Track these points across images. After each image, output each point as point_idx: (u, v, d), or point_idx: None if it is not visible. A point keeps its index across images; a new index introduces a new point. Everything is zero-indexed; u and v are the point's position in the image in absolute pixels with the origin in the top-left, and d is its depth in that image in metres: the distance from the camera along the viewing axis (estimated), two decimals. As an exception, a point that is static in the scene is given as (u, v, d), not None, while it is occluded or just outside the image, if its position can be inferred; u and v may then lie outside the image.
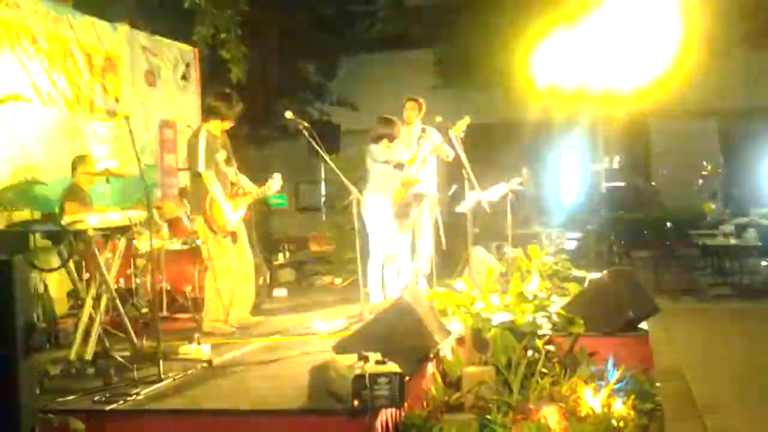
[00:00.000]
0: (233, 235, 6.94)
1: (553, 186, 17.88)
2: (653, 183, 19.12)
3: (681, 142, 18.35)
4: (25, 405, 3.22)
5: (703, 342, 8.69)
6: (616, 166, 18.95)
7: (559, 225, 14.29)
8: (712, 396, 6.35)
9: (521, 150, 16.47)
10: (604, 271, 6.51)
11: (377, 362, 4.24)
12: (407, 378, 4.62)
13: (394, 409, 4.36)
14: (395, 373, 4.15)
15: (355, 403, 4.05)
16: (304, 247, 12.93)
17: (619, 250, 13.98)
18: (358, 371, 4.12)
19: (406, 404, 4.66)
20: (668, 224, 14.62)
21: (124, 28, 10.04)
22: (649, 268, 12.69)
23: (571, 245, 12.67)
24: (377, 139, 7.88)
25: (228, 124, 7.05)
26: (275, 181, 7.15)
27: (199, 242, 7.37)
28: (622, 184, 18.28)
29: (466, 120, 8.02)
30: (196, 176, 6.91)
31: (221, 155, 6.97)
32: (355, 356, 4.38)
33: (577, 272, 8.27)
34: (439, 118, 8.21)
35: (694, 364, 7.42)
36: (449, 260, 9.39)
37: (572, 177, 18.49)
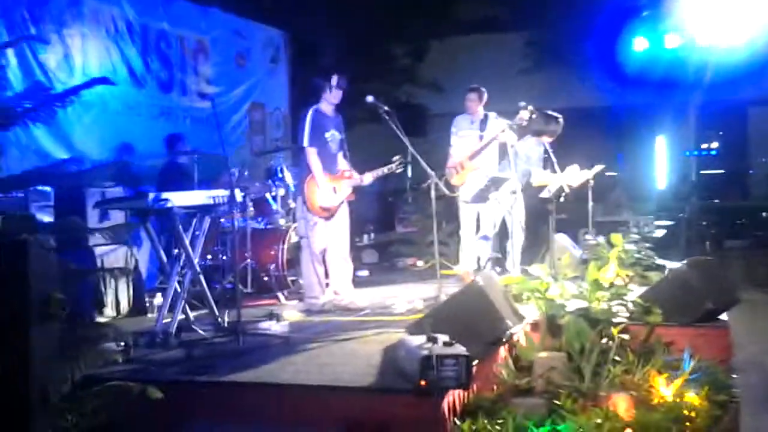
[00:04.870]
0: (331, 216, 7.00)
1: (647, 172, 17.51)
2: (751, 171, 18.56)
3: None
4: (36, 372, 3.42)
5: (791, 335, 8.45)
6: (713, 152, 18.49)
7: (651, 212, 14.00)
8: (795, 390, 6.19)
9: (615, 135, 16.21)
10: (684, 261, 6.41)
11: (445, 344, 4.33)
12: (476, 360, 4.71)
13: (461, 391, 4.42)
14: (462, 355, 4.22)
15: (422, 383, 4.14)
16: (390, 228, 13.04)
17: (710, 239, 13.64)
18: (426, 352, 4.20)
19: (475, 386, 4.73)
20: (764, 214, 14.20)
21: (215, 12, 10.31)
22: (742, 258, 12.37)
23: (661, 233, 12.42)
24: (538, 134, 8.07)
25: (335, 99, 7.10)
26: (395, 164, 7.18)
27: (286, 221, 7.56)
28: (720, 171, 17.83)
29: (527, 112, 8.02)
30: (301, 152, 7.06)
31: (331, 135, 7.06)
32: (425, 337, 4.47)
33: (660, 261, 8.13)
34: (522, 104, 8.20)
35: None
36: (536, 246, 9.36)
37: (667, 163, 18.09)
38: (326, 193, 6.92)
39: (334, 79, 7.01)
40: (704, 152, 18.14)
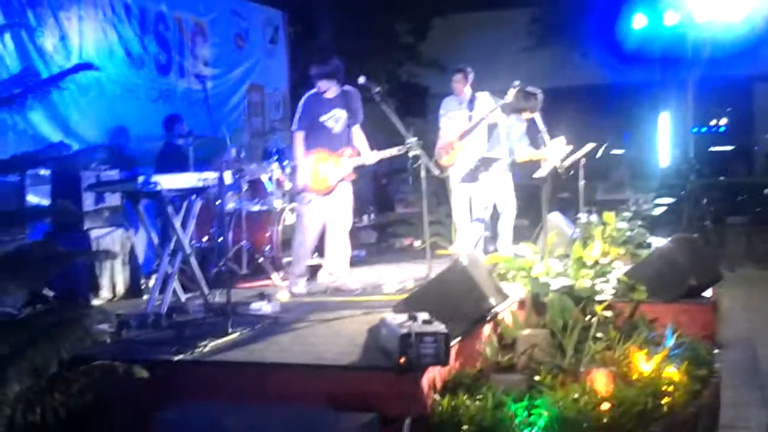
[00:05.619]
0: (326, 193, 7.02)
1: (651, 150, 17.52)
2: (756, 148, 18.54)
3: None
4: None
5: (783, 311, 8.50)
6: (722, 129, 18.48)
7: (653, 190, 14.02)
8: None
9: (620, 113, 16.22)
10: (669, 238, 6.48)
11: (424, 322, 4.42)
12: (458, 338, 4.81)
13: (441, 367, 4.52)
14: (440, 333, 4.32)
15: (401, 360, 4.24)
16: (391, 209, 13.13)
17: (711, 215, 13.65)
18: (405, 330, 4.30)
19: (458, 363, 4.84)
20: (766, 190, 14.17)
21: (213, -7, 10.37)
22: (743, 234, 12.40)
23: (659, 211, 12.47)
24: (518, 111, 8.11)
25: (324, 85, 7.06)
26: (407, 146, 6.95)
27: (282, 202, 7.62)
28: (729, 147, 17.84)
29: (513, 90, 8.07)
30: None
31: (332, 116, 7.05)
32: (405, 316, 4.57)
33: (651, 239, 8.19)
34: (516, 82, 8.26)
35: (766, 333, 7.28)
36: (535, 225, 9.43)
37: (670, 140, 18.09)
38: (316, 172, 6.98)
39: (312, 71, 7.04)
40: (713, 129, 18.15)
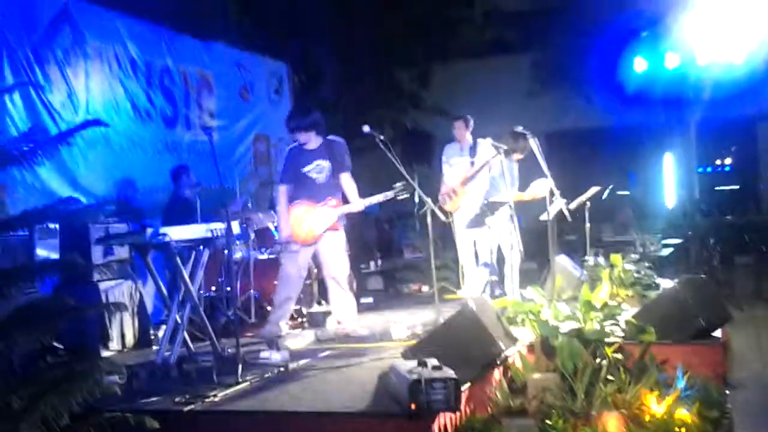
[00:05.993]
0: (310, 244, 7.10)
1: (656, 190, 17.55)
2: (761, 186, 18.55)
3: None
4: None
5: (796, 353, 8.45)
6: (727, 168, 18.51)
7: (659, 230, 14.03)
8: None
9: (624, 154, 16.27)
10: (677, 279, 6.48)
11: (434, 368, 4.43)
12: (467, 383, 4.80)
13: (452, 413, 4.51)
14: (450, 378, 4.33)
15: (412, 406, 4.24)
16: (399, 254, 13.15)
17: (719, 255, 13.62)
18: (415, 376, 4.31)
19: (469, 409, 4.82)
20: (773, 230, 14.14)
21: (218, 47, 10.52)
22: (751, 274, 12.36)
23: (667, 251, 12.46)
24: (508, 153, 8.19)
25: (304, 138, 7.15)
26: (394, 191, 7.11)
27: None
28: (735, 186, 17.85)
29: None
30: None
31: (315, 167, 7.14)
32: (415, 362, 4.58)
33: (659, 280, 8.19)
34: (519, 128, 8.33)
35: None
36: (542, 268, 9.43)
37: (676, 180, 18.12)
38: (300, 224, 7.02)
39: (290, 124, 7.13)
40: (718, 168, 18.18)
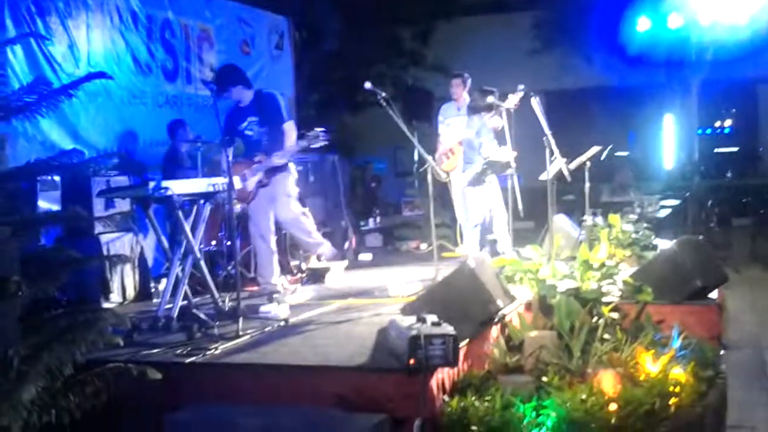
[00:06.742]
0: (246, 201, 7.12)
1: (656, 152, 17.57)
2: (761, 149, 18.55)
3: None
4: None
5: (790, 312, 8.53)
6: (727, 130, 18.50)
7: (658, 192, 14.07)
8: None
9: (625, 114, 16.25)
10: (674, 240, 6.53)
11: (433, 324, 4.48)
12: (466, 340, 4.86)
13: (450, 369, 4.58)
14: (449, 334, 4.38)
15: (411, 361, 4.30)
16: (398, 212, 13.20)
17: (717, 217, 13.67)
18: (414, 332, 4.36)
19: (467, 365, 4.89)
20: (770, 192, 14.18)
21: (219, 0, 10.43)
22: (749, 235, 12.43)
23: (665, 213, 12.51)
24: (478, 111, 8.15)
25: (236, 95, 7.12)
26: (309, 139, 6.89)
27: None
28: (734, 149, 17.86)
29: (520, 93, 8.09)
30: None
31: (246, 123, 7.12)
32: (414, 317, 4.63)
33: (656, 241, 8.24)
34: (521, 86, 8.30)
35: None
36: (540, 228, 9.47)
37: (675, 142, 18.12)
38: (238, 183, 6.78)
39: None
40: (718, 130, 18.17)
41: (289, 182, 7.21)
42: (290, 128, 7.13)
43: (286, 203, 7.19)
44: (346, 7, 12.87)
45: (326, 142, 6.96)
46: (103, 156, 6.15)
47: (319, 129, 6.84)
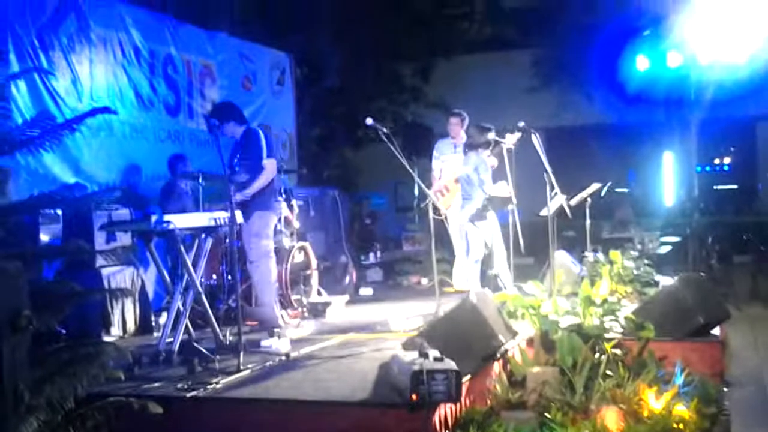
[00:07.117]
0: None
1: (656, 188, 17.62)
2: (760, 186, 18.61)
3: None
4: (7, 378, 3.54)
5: (792, 351, 8.50)
6: (726, 168, 18.57)
7: (658, 228, 14.09)
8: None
9: (624, 152, 16.31)
10: (676, 277, 6.53)
11: (435, 359, 4.45)
12: (468, 375, 4.84)
13: (453, 405, 4.55)
14: (452, 370, 4.35)
15: (413, 397, 4.27)
16: (398, 246, 13.19)
17: (717, 254, 13.67)
18: (416, 367, 4.34)
19: (469, 401, 4.86)
20: (771, 229, 14.19)
21: (221, 36, 10.53)
22: (749, 273, 12.40)
23: (665, 249, 12.52)
24: (475, 147, 8.18)
25: (228, 131, 7.16)
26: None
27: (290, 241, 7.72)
28: (733, 186, 17.91)
29: (518, 134, 8.13)
30: None
31: (236, 160, 7.15)
32: (416, 353, 4.61)
33: (658, 277, 8.24)
34: (521, 123, 8.33)
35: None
36: (541, 263, 9.47)
37: (674, 179, 18.18)
38: None
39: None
40: (717, 168, 18.24)
41: (261, 222, 7.10)
42: (268, 165, 7.09)
43: (254, 243, 7.09)
44: (347, 44, 12.97)
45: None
46: (105, 190, 6.19)
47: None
